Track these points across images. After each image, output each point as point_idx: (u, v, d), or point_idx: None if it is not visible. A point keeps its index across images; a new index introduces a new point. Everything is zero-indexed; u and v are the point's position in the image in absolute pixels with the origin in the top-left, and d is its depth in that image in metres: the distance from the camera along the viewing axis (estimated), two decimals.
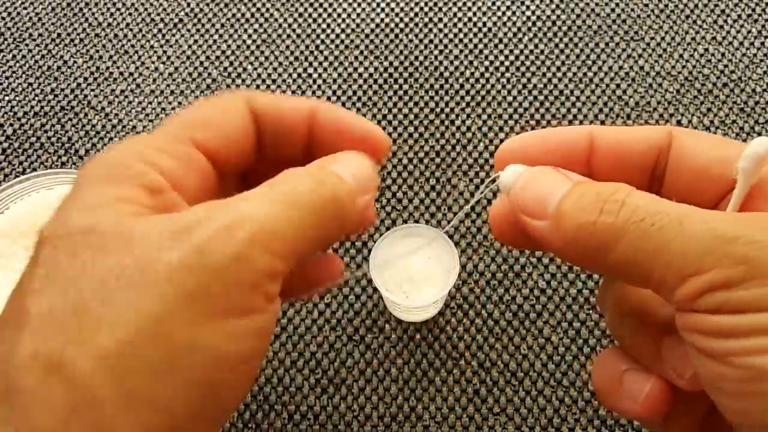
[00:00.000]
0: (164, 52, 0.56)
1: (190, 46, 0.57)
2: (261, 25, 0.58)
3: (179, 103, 0.53)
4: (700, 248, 0.16)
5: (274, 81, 0.55)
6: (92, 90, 0.54)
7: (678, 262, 0.16)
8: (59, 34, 0.57)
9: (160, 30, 0.58)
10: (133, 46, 0.57)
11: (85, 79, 0.55)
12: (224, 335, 0.16)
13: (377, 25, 0.57)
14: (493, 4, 0.58)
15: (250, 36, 0.57)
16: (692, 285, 0.16)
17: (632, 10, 0.58)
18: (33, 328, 0.16)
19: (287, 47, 0.56)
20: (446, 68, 0.55)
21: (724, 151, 0.20)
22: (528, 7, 0.58)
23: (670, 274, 0.17)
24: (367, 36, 0.57)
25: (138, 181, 0.18)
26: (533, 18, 0.57)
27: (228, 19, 0.58)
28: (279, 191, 0.19)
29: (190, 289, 0.16)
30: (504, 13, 0.58)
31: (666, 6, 0.58)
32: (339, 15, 0.58)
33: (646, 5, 0.58)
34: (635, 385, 0.21)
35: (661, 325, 0.20)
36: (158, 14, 0.59)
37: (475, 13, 0.58)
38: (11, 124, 0.53)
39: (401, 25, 0.57)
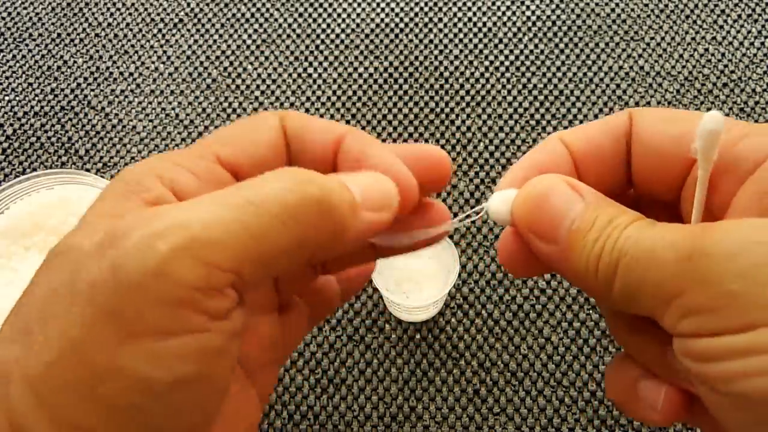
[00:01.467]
0: (164, 52, 0.56)
1: (190, 46, 0.57)
2: (261, 25, 0.58)
3: (179, 103, 0.53)
4: (669, 273, 0.16)
5: (274, 81, 0.55)
6: (92, 90, 0.54)
7: (656, 291, 0.16)
8: (59, 34, 0.57)
9: (160, 30, 0.58)
10: (133, 46, 0.57)
11: (85, 79, 0.55)
12: (147, 358, 0.15)
13: (377, 25, 0.57)
14: (493, 4, 0.58)
15: (250, 36, 0.57)
16: (672, 311, 0.16)
17: (632, 10, 0.58)
18: None
19: (287, 47, 0.56)
20: (446, 68, 0.55)
21: (677, 125, 0.20)
22: (528, 7, 0.58)
23: (655, 304, 0.17)
24: (367, 36, 0.57)
25: (141, 196, 0.17)
26: (533, 18, 0.57)
27: (228, 19, 0.58)
28: (244, 192, 0.16)
29: (107, 309, 0.15)
30: (504, 13, 0.58)
31: (666, 6, 0.58)
32: (339, 15, 0.58)
33: (646, 5, 0.58)
34: (651, 392, 0.20)
35: (664, 331, 0.20)
36: (158, 14, 0.59)
37: (475, 13, 0.58)
38: (11, 124, 0.53)
39: (401, 25, 0.57)
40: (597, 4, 0.58)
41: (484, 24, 0.57)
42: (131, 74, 0.55)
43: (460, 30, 0.57)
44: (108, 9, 0.59)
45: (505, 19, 0.58)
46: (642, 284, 0.17)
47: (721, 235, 0.16)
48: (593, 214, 0.18)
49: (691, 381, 0.18)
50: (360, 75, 0.55)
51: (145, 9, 0.59)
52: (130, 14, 0.59)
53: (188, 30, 0.58)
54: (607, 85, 0.54)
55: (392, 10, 0.58)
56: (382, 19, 0.58)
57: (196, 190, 0.18)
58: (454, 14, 0.58)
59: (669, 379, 0.20)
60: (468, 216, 0.22)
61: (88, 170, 0.50)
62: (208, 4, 0.59)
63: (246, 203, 0.16)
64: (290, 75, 0.55)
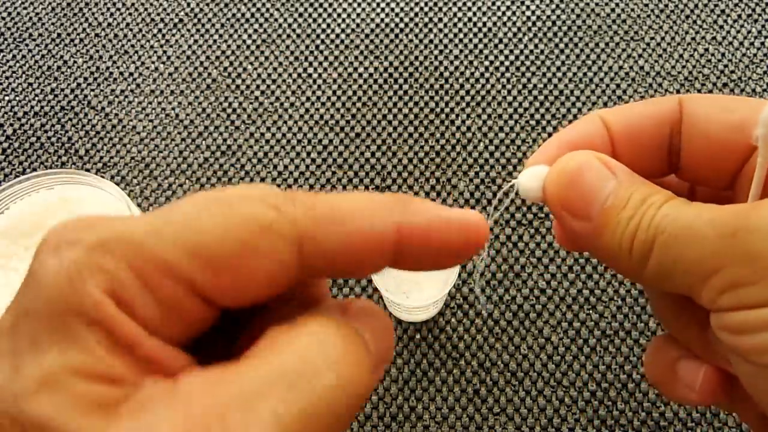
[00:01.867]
0: (164, 52, 0.56)
1: (190, 46, 0.57)
2: (261, 25, 0.58)
3: (179, 103, 0.53)
4: (709, 250, 0.16)
5: (274, 81, 0.55)
6: (92, 90, 0.54)
7: (694, 268, 0.16)
8: (59, 34, 0.57)
9: (160, 30, 0.58)
10: (133, 46, 0.57)
11: (85, 79, 0.55)
12: None
13: (377, 25, 0.57)
14: (493, 4, 0.58)
15: (250, 36, 0.57)
16: (711, 286, 0.16)
17: (632, 10, 0.58)
18: None
19: (287, 47, 0.56)
20: (446, 68, 0.55)
21: (736, 113, 0.20)
22: (528, 7, 0.58)
23: (692, 281, 0.17)
24: (367, 36, 0.57)
25: (108, 335, 0.13)
26: (533, 18, 0.57)
27: (228, 19, 0.58)
28: (295, 397, 0.13)
29: None
30: (504, 13, 0.58)
31: (666, 6, 0.58)
32: (339, 15, 0.58)
33: (646, 5, 0.58)
34: (689, 373, 0.20)
35: (705, 312, 0.19)
36: (158, 14, 0.59)
37: (475, 13, 0.58)
38: (11, 124, 0.53)
39: (401, 25, 0.57)
40: (597, 4, 0.58)
41: (484, 24, 0.57)
42: (131, 74, 0.55)
43: (460, 30, 0.57)
44: (108, 9, 0.59)
45: (505, 19, 0.58)
46: (679, 261, 0.17)
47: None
48: (627, 191, 0.18)
49: (729, 360, 0.18)
50: (360, 75, 0.55)
51: (145, 9, 0.59)
52: (130, 14, 0.59)
53: (188, 30, 0.58)
54: (607, 85, 0.54)
55: (392, 10, 0.58)
56: (382, 19, 0.58)
57: (161, 324, 0.14)
58: (454, 14, 0.58)
59: (709, 360, 0.20)
60: (500, 201, 0.21)
61: (88, 170, 0.50)
62: (208, 4, 0.59)
63: (307, 417, 0.13)
64: (290, 75, 0.55)
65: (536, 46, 0.56)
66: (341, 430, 0.14)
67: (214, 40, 0.57)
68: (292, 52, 0.56)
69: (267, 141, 0.52)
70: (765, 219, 0.16)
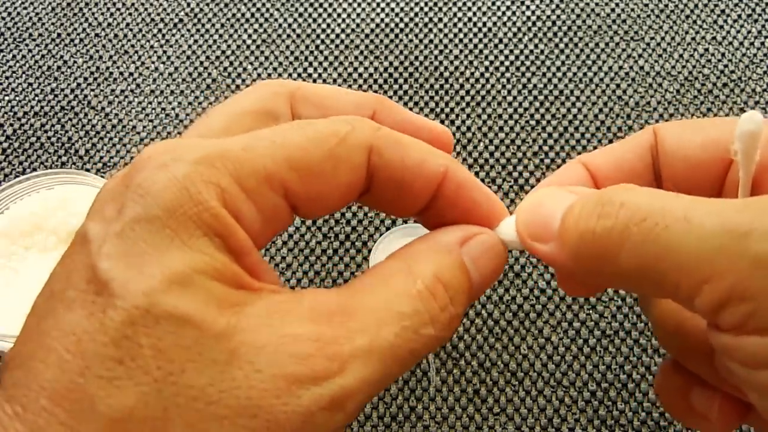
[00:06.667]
0: (164, 52, 0.56)
1: (190, 46, 0.57)
2: (261, 25, 0.58)
3: (179, 103, 0.53)
4: (711, 247, 0.14)
5: None
6: (92, 90, 0.54)
7: (689, 264, 0.14)
8: (59, 34, 0.57)
9: (160, 30, 0.58)
10: (133, 46, 0.57)
11: (85, 79, 0.55)
12: None
13: (377, 25, 0.57)
14: (493, 4, 0.58)
15: (250, 36, 0.57)
16: (709, 294, 0.14)
17: (632, 10, 0.58)
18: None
19: (287, 47, 0.56)
20: (446, 68, 0.55)
21: (706, 132, 0.19)
22: (528, 7, 0.58)
23: (684, 280, 0.14)
24: (367, 36, 0.57)
25: (224, 242, 0.14)
26: (533, 18, 0.57)
27: (228, 19, 0.58)
28: (383, 340, 0.15)
29: None
30: (504, 13, 0.58)
31: (666, 6, 0.58)
32: (339, 15, 0.58)
33: (646, 5, 0.58)
34: (704, 404, 0.19)
35: (709, 342, 0.17)
36: (158, 14, 0.59)
37: (475, 13, 0.58)
38: (11, 124, 0.53)
39: (401, 25, 0.57)
40: (597, 4, 0.58)
41: (484, 24, 0.57)
42: (131, 74, 0.55)
43: (460, 30, 0.57)
44: (108, 9, 0.59)
45: (505, 19, 0.58)
46: (668, 254, 0.14)
47: None
48: (584, 197, 0.17)
49: (743, 389, 0.16)
50: (360, 75, 0.55)
51: (145, 9, 0.59)
52: (130, 14, 0.59)
53: (188, 30, 0.58)
54: (607, 85, 0.54)
55: (392, 10, 0.58)
56: (382, 19, 0.58)
57: (260, 230, 0.15)
58: (454, 14, 0.58)
59: (722, 387, 0.19)
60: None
61: (88, 170, 0.50)
62: (208, 4, 0.59)
63: (384, 362, 0.15)
64: (290, 75, 0.55)
65: (536, 46, 0.56)
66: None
67: (214, 40, 0.57)
68: (292, 52, 0.56)
69: None
70: None
